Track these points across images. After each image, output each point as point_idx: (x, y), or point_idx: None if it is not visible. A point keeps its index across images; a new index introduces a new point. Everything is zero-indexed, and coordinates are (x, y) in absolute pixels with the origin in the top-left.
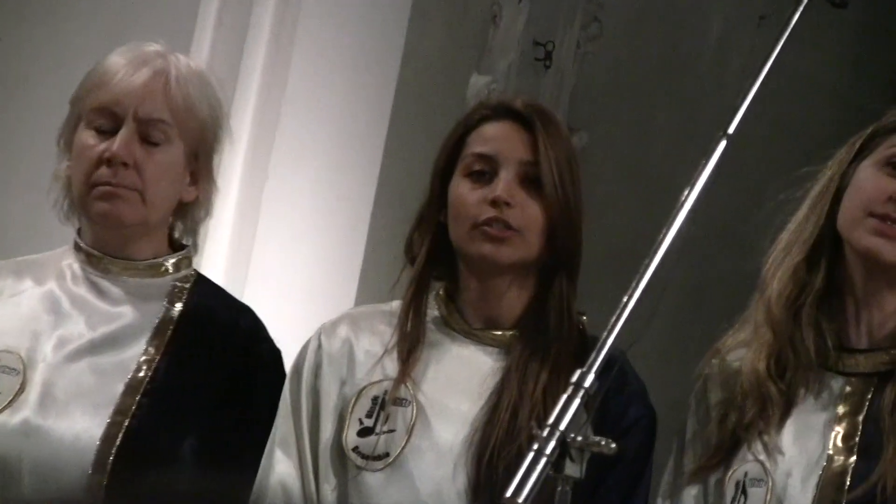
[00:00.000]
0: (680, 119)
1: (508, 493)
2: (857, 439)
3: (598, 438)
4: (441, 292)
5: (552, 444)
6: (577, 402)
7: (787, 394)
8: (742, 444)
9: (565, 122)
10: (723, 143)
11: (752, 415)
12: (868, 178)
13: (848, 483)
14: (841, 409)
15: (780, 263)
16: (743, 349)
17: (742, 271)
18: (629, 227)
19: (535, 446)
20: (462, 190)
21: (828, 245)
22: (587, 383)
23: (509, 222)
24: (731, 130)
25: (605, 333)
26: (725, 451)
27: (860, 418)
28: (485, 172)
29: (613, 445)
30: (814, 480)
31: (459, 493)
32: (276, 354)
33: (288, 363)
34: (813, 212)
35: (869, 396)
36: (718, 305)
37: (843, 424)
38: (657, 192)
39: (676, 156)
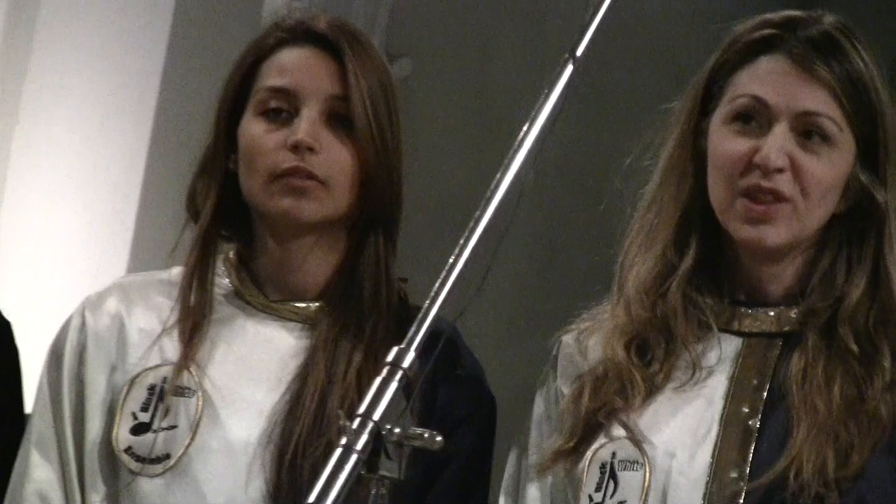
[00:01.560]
0: (524, 41)
1: (311, 499)
2: (759, 415)
3: (420, 431)
4: (231, 256)
5: (364, 437)
6: (393, 386)
7: (656, 378)
8: (602, 429)
9: (383, 48)
10: (569, 68)
11: (611, 401)
12: (720, 142)
13: (750, 463)
14: (737, 374)
15: (640, 249)
16: (598, 327)
17: (604, 226)
18: (462, 173)
19: (344, 441)
20: (255, 132)
21: (696, 219)
22: (406, 363)
23: (313, 171)
24: (578, 52)
25: (429, 302)
26: (580, 438)
27: (763, 389)
28: (282, 111)
29: (439, 439)
30: (703, 459)
31: (256, 501)
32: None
33: (43, 345)
34: (668, 184)
35: (773, 359)
36: (574, 268)
37: (741, 393)
38: (497, 131)
39: (520, 86)
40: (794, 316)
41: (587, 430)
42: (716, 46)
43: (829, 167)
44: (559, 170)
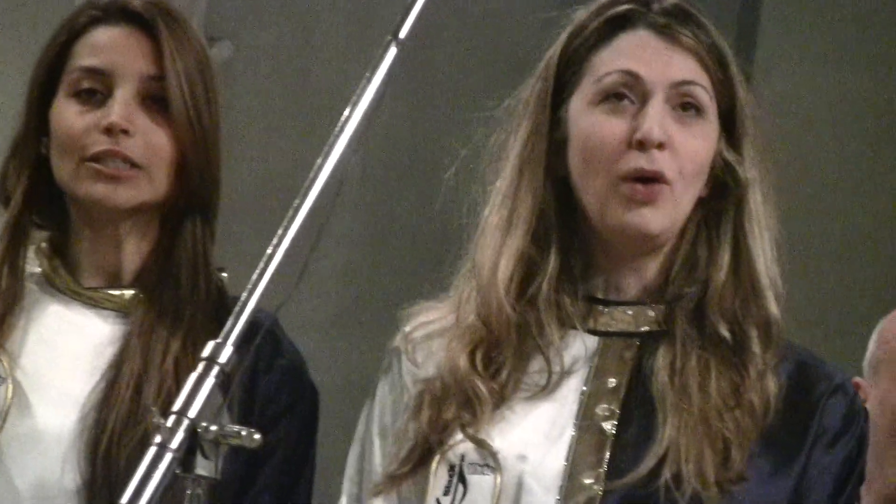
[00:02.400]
0: (347, 23)
1: (124, 500)
2: (616, 416)
3: (237, 428)
4: (44, 244)
5: (179, 436)
6: (209, 382)
7: (504, 389)
8: (445, 440)
9: (203, 30)
10: (392, 51)
11: (456, 418)
12: (591, 126)
13: (606, 466)
14: (593, 375)
15: (496, 247)
16: (442, 329)
17: (433, 214)
18: (284, 159)
19: (159, 439)
20: (67, 114)
21: (553, 212)
22: (223, 358)
23: (129, 155)
24: (402, 34)
25: (247, 294)
26: (422, 451)
27: (621, 389)
28: (95, 92)
29: (257, 437)
30: (557, 462)
31: (69, 493)
32: None
33: None
34: (522, 177)
35: (631, 359)
36: (402, 261)
37: (597, 394)
38: (320, 116)
39: (344, 70)
40: (652, 314)
41: (426, 451)
42: (552, 32)
43: (704, 142)
44: (387, 160)
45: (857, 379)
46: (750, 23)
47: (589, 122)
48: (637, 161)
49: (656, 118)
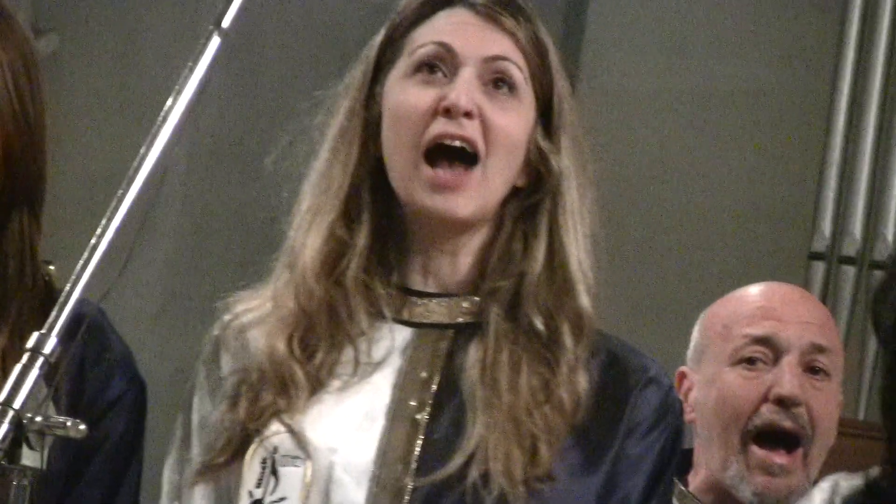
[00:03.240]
0: (174, 16)
1: None
2: (427, 409)
3: (62, 419)
4: None
5: (3, 427)
6: (34, 373)
7: (319, 372)
8: (261, 430)
9: (29, 23)
10: (216, 41)
11: (272, 405)
12: (401, 96)
13: (417, 460)
14: (406, 367)
15: (308, 227)
16: (260, 317)
17: (259, 204)
18: (111, 151)
19: None
20: None
21: (367, 192)
22: (47, 349)
23: None
24: (225, 24)
25: (70, 285)
26: (238, 442)
27: (433, 382)
28: None
29: (82, 427)
30: (368, 455)
31: None
32: None
33: None
34: (337, 156)
35: (444, 351)
36: (228, 248)
37: (410, 386)
38: (146, 108)
39: (171, 62)
40: (467, 306)
41: (242, 441)
42: (379, 19)
43: (516, 119)
44: (213, 150)
45: (684, 368)
46: (578, 14)
47: (400, 93)
48: (445, 126)
49: (464, 87)
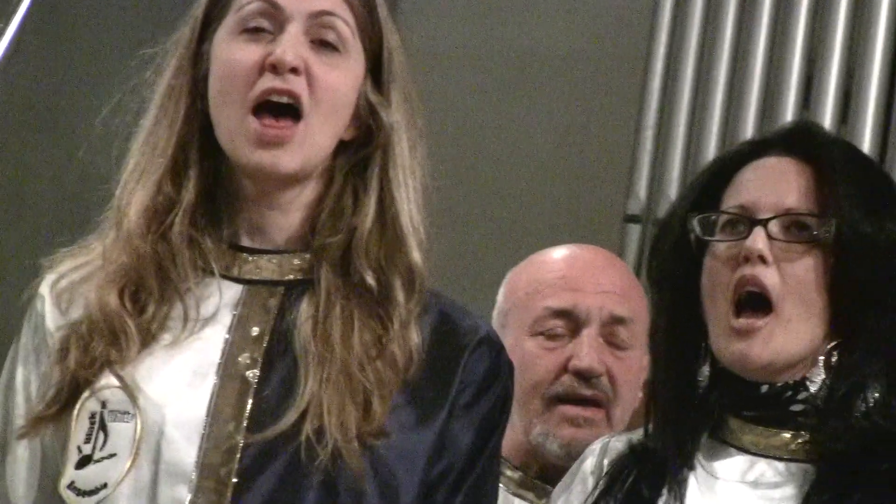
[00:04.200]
0: None
1: None
2: (258, 366)
3: None
4: None
5: None
6: None
7: (150, 325)
8: (91, 380)
9: None
10: (25, 3)
11: (103, 354)
12: (227, 54)
13: (249, 417)
14: (236, 323)
15: (135, 184)
16: (89, 273)
17: (76, 173)
18: None
19: None
20: None
21: (195, 149)
22: None
23: None
24: None
25: None
26: (65, 403)
27: (264, 339)
28: None
29: None
30: (198, 411)
31: None
32: None
33: None
34: (164, 114)
35: (275, 308)
36: (46, 211)
37: (240, 342)
38: None
39: None
40: (298, 263)
41: (73, 391)
42: None
43: (343, 75)
44: (24, 114)
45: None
46: None
47: (227, 50)
48: (271, 82)
49: (290, 43)
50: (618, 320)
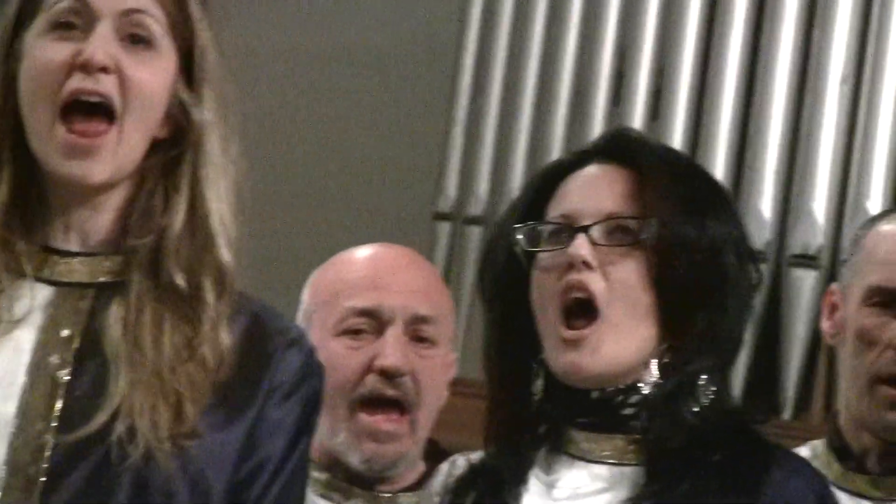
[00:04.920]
0: None
1: None
2: (69, 366)
3: None
4: None
5: None
6: None
7: None
8: None
9: None
10: None
11: None
12: (37, 53)
13: (59, 416)
14: (47, 324)
15: None
16: None
17: None
18: None
19: None
20: None
21: (7, 149)
22: None
23: None
24: None
25: None
26: None
27: (74, 340)
28: None
29: None
30: (8, 410)
31: None
32: None
33: None
34: None
35: (85, 310)
36: None
37: (51, 343)
38: None
39: None
40: (109, 265)
41: None
42: None
43: (153, 74)
44: None
45: None
46: None
47: (36, 49)
48: (81, 83)
49: (100, 42)
50: (422, 319)
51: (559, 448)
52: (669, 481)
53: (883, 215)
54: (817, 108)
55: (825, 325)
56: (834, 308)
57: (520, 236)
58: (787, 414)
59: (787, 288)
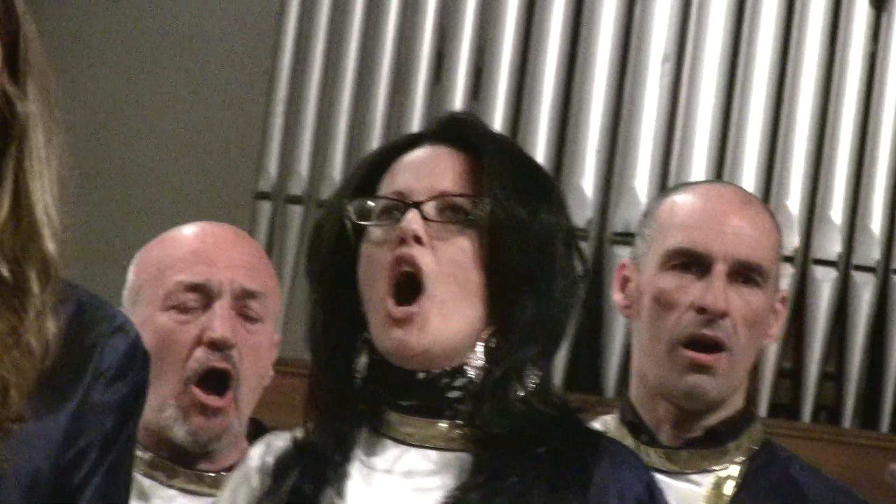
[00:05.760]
0: None
1: None
2: None
3: None
4: None
5: None
6: None
7: None
8: None
9: None
10: None
11: None
12: None
13: None
14: None
15: None
16: None
17: None
18: None
19: None
20: None
21: None
22: None
23: None
24: None
25: None
26: None
27: None
28: None
29: None
30: None
31: None
32: None
33: None
34: None
35: None
36: None
37: None
38: None
39: None
40: None
41: None
42: None
43: None
44: None
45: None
46: None
47: None
48: None
49: None
50: (249, 294)
51: (379, 429)
52: (497, 471)
53: (675, 188)
54: (639, 86)
55: (617, 297)
56: (626, 281)
57: (350, 209)
58: (609, 392)
59: (609, 265)
